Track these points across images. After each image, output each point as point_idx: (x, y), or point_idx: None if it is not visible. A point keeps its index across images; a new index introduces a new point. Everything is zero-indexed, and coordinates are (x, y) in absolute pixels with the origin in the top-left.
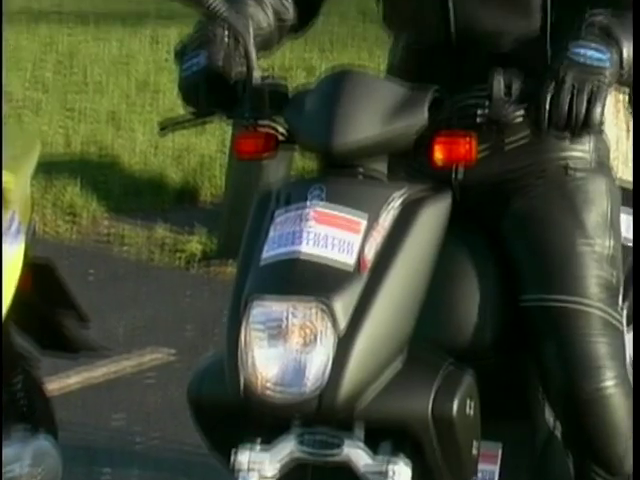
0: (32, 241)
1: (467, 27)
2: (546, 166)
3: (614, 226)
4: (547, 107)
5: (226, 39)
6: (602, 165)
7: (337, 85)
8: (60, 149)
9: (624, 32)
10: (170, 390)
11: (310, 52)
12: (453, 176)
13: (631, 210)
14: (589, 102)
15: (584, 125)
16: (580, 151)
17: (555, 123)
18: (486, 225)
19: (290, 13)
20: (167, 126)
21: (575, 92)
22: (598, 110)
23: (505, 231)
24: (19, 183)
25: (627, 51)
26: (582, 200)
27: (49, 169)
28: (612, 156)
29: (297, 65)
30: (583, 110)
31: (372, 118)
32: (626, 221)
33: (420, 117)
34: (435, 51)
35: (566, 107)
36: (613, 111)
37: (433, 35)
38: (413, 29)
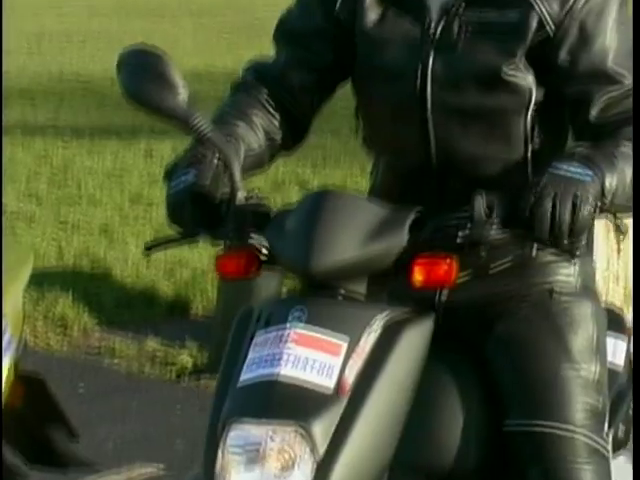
0: (23, 354)
1: (448, 151)
2: (531, 290)
3: (600, 351)
4: (531, 220)
5: (215, 160)
6: (588, 289)
7: (317, 206)
8: (53, 261)
9: (606, 162)
10: None
11: (303, 167)
12: (436, 297)
13: (617, 334)
14: (573, 212)
15: (570, 235)
16: (565, 275)
17: (539, 236)
18: (470, 347)
19: (280, 133)
20: (152, 246)
21: (558, 202)
22: (583, 218)
23: (489, 354)
24: (11, 296)
25: (609, 181)
26: (567, 324)
27: (41, 281)
28: (603, 275)
29: (290, 180)
30: (567, 219)
31: (351, 239)
32: (612, 345)
33: (400, 238)
34: (415, 173)
35: (549, 218)
36: (603, 231)
37: (414, 158)
38: (393, 151)
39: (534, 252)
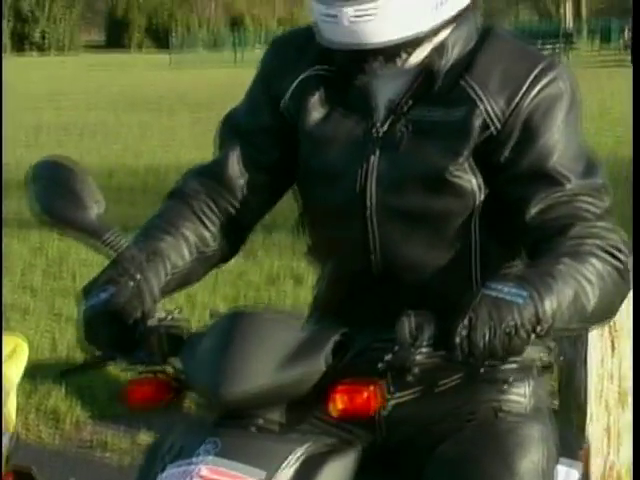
0: (15, 447)
1: (389, 256)
2: (478, 408)
3: (546, 478)
4: (460, 345)
5: (131, 280)
6: (539, 411)
7: (229, 329)
8: (46, 353)
9: (543, 284)
10: None
11: (298, 261)
12: (376, 416)
13: (571, 461)
14: (508, 338)
15: (502, 359)
16: (515, 394)
17: (470, 362)
18: (411, 467)
19: (214, 245)
20: (67, 373)
21: (491, 329)
22: (516, 345)
23: (430, 475)
24: (5, 388)
25: (548, 304)
26: (513, 445)
27: (34, 373)
28: (598, 373)
29: (285, 274)
30: (499, 346)
31: (266, 364)
32: (564, 474)
33: (318, 363)
34: (357, 281)
35: (481, 345)
36: (597, 330)
37: (355, 264)
38: (336, 258)
39: (482, 370)
